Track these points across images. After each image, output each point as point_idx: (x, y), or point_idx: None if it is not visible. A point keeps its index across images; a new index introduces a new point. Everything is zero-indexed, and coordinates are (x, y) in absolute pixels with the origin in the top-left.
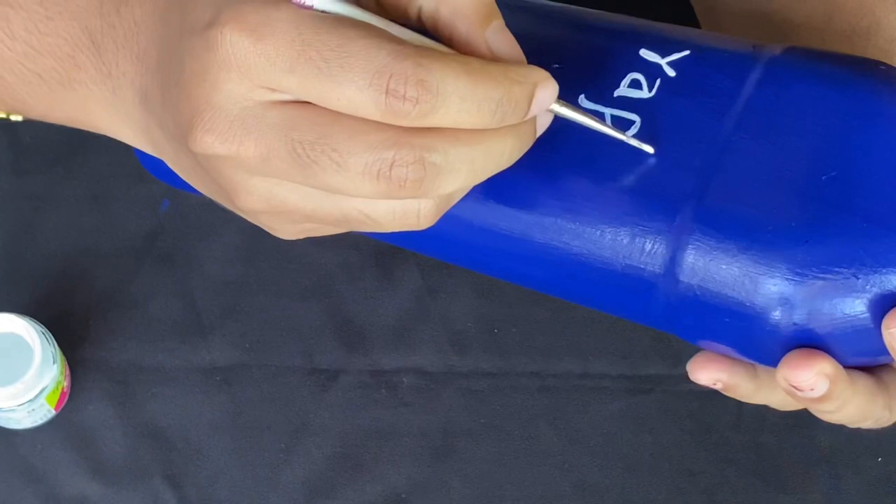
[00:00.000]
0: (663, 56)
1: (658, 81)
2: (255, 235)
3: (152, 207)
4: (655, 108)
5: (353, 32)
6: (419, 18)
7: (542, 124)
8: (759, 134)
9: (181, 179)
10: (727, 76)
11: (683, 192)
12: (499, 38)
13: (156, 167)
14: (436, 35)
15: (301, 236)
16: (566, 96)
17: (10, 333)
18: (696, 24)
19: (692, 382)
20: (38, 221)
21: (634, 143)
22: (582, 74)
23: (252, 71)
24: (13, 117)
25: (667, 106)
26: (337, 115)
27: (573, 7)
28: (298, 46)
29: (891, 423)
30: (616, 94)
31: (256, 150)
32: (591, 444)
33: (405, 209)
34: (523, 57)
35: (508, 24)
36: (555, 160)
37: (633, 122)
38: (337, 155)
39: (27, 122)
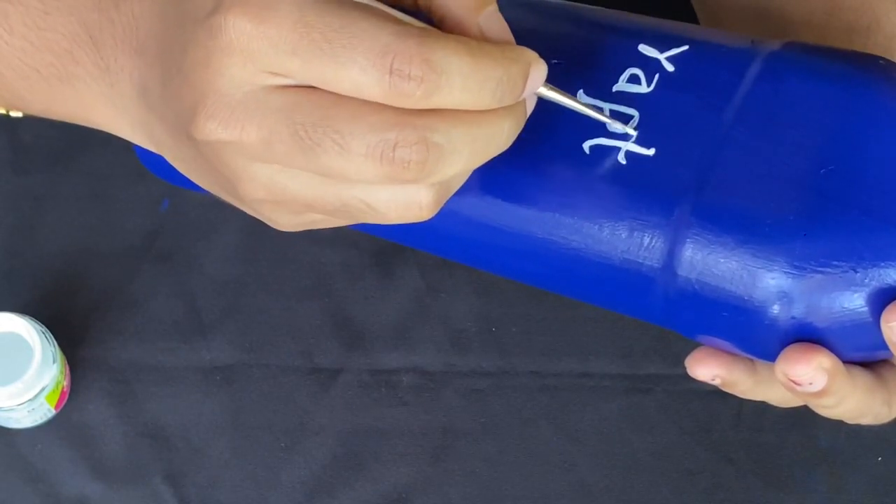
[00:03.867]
0: (662, 51)
1: (657, 76)
2: (255, 235)
3: (152, 207)
4: (654, 103)
5: (356, 14)
6: (415, 1)
7: (530, 106)
8: (757, 128)
9: (181, 177)
10: (726, 71)
11: (682, 186)
12: (492, 22)
13: (156, 165)
14: (429, 17)
15: (301, 228)
16: (566, 91)
17: (10, 333)
18: (695, 23)
19: (692, 382)
20: (38, 220)
21: (618, 125)
22: (581, 69)
23: (255, 55)
24: (13, 113)
25: (665, 100)
26: (339, 98)
27: (572, 3)
28: (301, 28)
29: (889, 419)
30: (615, 88)
31: (259, 134)
32: (591, 444)
33: (406, 198)
34: (514, 40)
35: (508, 20)
36: (553, 155)
37: (631, 117)
38: (339, 137)
39: (28, 121)
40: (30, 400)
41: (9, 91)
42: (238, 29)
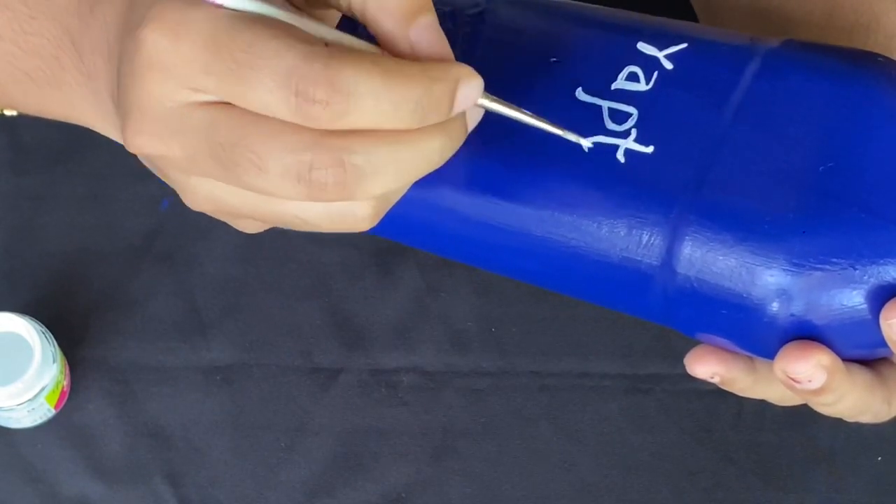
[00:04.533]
0: (661, 49)
1: (656, 74)
2: (254, 235)
3: (152, 206)
4: (653, 101)
5: (266, 33)
6: (349, 9)
7: (473, 119)
8: (756, 125)
9: None
10: (725, 68)
11: (681, 183)
12: (423, 35)
13: None
14: (365, 28)
15: (261, 230)
16: (563, 89)
17: (10, 333)
18: (695, 22)
19: (692, 382)
20: (37, 221)
21: (572, 137)
22: (579, 67)
23: (172, 71)
24: (7, 112)
25: (664, 98)
26: (257, 117)
27: (571, 1)
28: (212, 47)
29: (889, 416)
30: (613, 86)
31: (182, 151)
32: (591, 444)
33: (340, 212)
34: (450, 54)
35: (507, 19)
36: (552, 152)
37: (630, 115)
38: (256, 157)
39: (27, 121)
40: (30, 400)
41: (3, 94)
42: (155, 45)
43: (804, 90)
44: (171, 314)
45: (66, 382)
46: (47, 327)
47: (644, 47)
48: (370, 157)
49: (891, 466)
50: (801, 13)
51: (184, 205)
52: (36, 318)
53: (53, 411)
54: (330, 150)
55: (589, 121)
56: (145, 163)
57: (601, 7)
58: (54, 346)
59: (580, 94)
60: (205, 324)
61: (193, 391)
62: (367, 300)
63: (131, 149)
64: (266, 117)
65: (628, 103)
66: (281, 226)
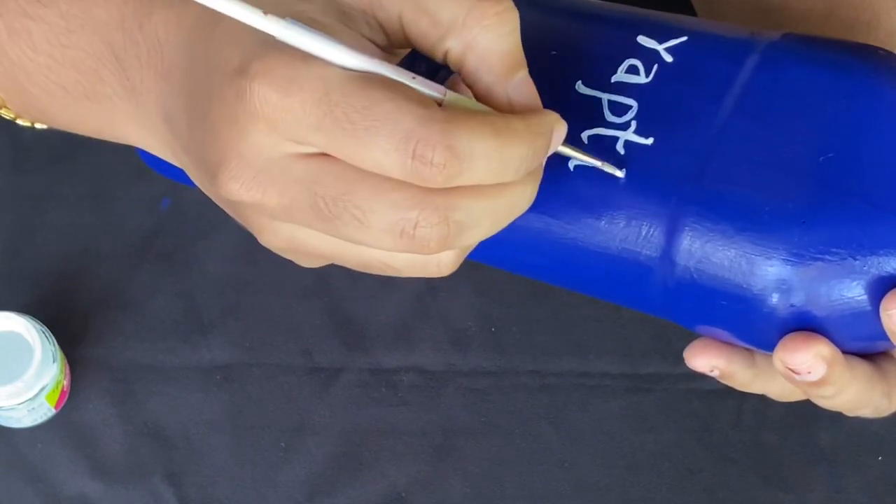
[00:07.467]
0: (661, 42)
1: (655, 67)
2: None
3: (152, 206)
4: (653, 93)
5: (381, 95)
6: (444, 60)
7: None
8: (756, 117)
9: (183, 174)
10: (725, 61)
11: (680, 174)
12: (521, 90)
13: (158, 163)
14: (448, 69)
15: (322, 265)
16: (563, 82)
17: (10, 332)
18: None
19: (692, 381)
20: (38, 220)
21: (619, 173)
22: (580, 60)
23: (279, 125)
24: (20, 121)
25: (664, 91)
26: (362, 172)
27: None
28: (325, 106)
29: (890, 411)
30: (613, 79)
31: (280, 200)
32: (592, 443)
33: (425, 260)
34: (540, 104)
35: None
36: None
37: (630, 107)
38: (359, 212)
39: None
40: (30, 399)
41: (36, 107)
42: (263, 99)
43: (804, 82)
44: (171, 314)
45: (66, 382)
46: (47, 326)
47: (644, 40)
48: (472, 213)
49: (891, 466)
50: (800, 10)
51: (184, 204)
52: (36, 318)
53: (53, 411)
54: (436, 208)
55: (589, 113)
56: (224, 206)
57: (601, 1)
58: (54, 345)
59: (580, 86)
60: (205, 324)
61: (193, 391)
62: (367, 300)
63: (222, 192)
64: (370, 173)
65: (628, 95)
66: (359, 269)
